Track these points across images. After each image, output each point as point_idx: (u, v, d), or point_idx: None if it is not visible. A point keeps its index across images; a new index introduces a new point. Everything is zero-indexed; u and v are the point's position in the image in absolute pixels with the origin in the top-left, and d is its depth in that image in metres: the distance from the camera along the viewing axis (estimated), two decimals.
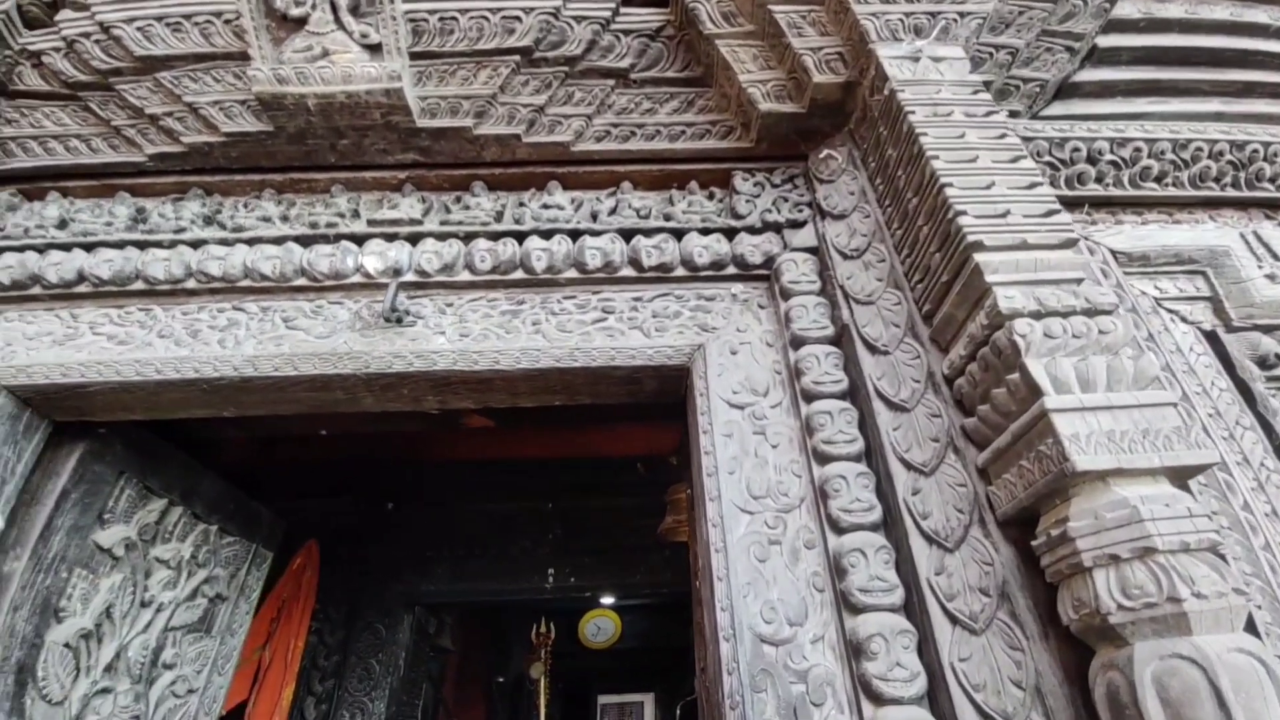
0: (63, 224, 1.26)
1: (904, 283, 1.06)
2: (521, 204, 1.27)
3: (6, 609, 1.18)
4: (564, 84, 1.23)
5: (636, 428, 3.54)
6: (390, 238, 1.25)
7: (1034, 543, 0.80)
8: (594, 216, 1.26)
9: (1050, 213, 0.91)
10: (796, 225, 1.26)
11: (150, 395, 1.19)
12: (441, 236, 1.24)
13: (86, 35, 1.11)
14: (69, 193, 1.30)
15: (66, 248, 1.23)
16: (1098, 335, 0.82)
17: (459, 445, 3.45)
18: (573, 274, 1.22)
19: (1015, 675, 0.79)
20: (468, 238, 1.24)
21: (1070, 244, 0.89)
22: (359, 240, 1.25)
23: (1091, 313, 0.83)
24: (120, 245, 1.24)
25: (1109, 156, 1.21)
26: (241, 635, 1.79)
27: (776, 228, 1.26)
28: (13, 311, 1.23)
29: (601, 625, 7.00)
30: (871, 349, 1.05)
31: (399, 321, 1.18)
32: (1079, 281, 0.86)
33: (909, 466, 0.95)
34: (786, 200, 1.28)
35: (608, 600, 6.15)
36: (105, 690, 1.38)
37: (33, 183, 1.29)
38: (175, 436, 1.63)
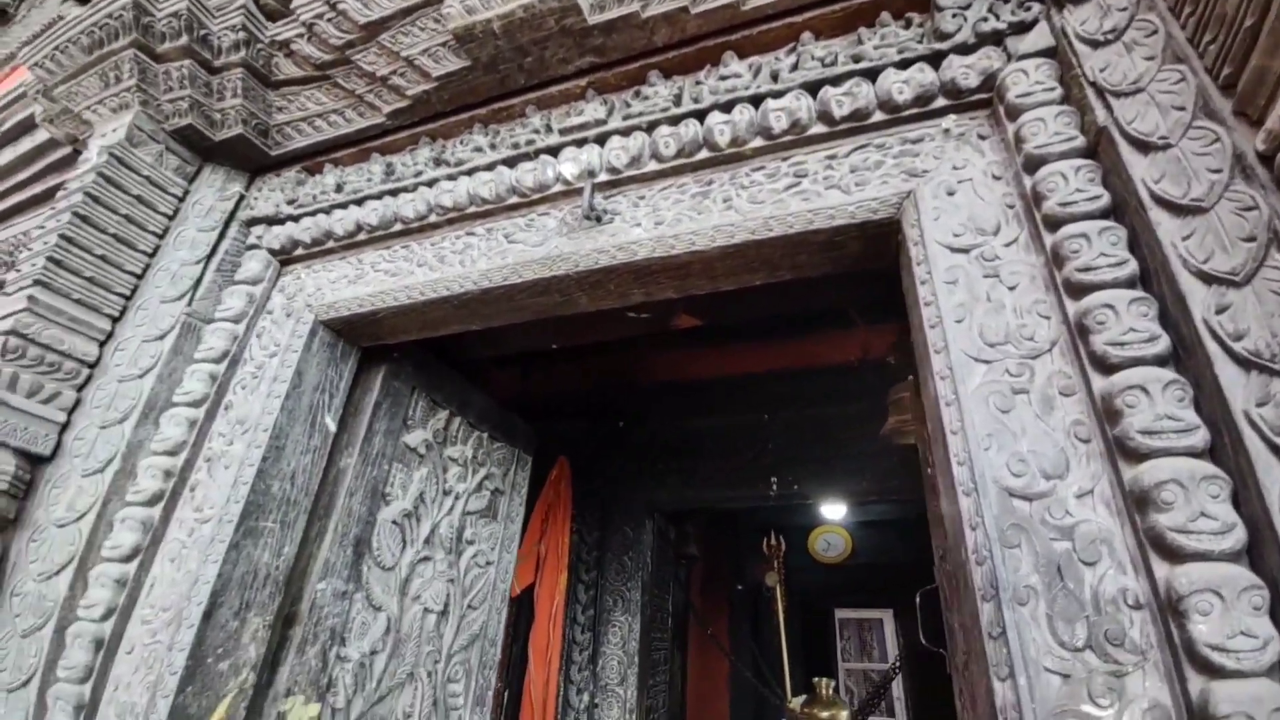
0: (339, 188, 1.51)
1: (1187, 51, 0.79)
2: (698, 82, 1.21)
3: (344, 494, 1.50)
4: None
5: (847, 334, 3.32)
6: (580, 143, 1.27)
7: None
8: (774, 77, 1.15)
9: None
10: (1022, 29, 1.01)
11: (419, 315, 1.40)
12: (625, 132, 1.23)
13: (320, 16, 1.28)
14: (338, 162, 1.55)
15: (344, 205, 1.48)
16: None
17: (679, 366, 3.57)
18: (758, 143, 1.13)
19: None
20: (650, 127, 1.22)
21: None
22: (554, 151, 1.30)
23: None
24: (380, 196, 1.45)
25: None
26: (518, 523, 2.08)
27: (996, 38, 1.02)
28: (317, 264, 1.52)
29: (831, 541, 6.90)
30: (1143, 147, 0.80)
31: (598, 220, 1.21)
32: None
33: (1210, 279, 0.72)
34: (1006, 2, 1.03)
35: (834, 513, 6.02)
36: (426, 558, 1.69)
37: (311, 159, 1.56)
38: (448, 359, 1.91)
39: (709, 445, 3.34)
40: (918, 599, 1.36)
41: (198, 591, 1.17)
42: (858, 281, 1.46)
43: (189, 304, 1.44)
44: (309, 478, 1.40)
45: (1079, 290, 0.83)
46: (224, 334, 1.44)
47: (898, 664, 5.00)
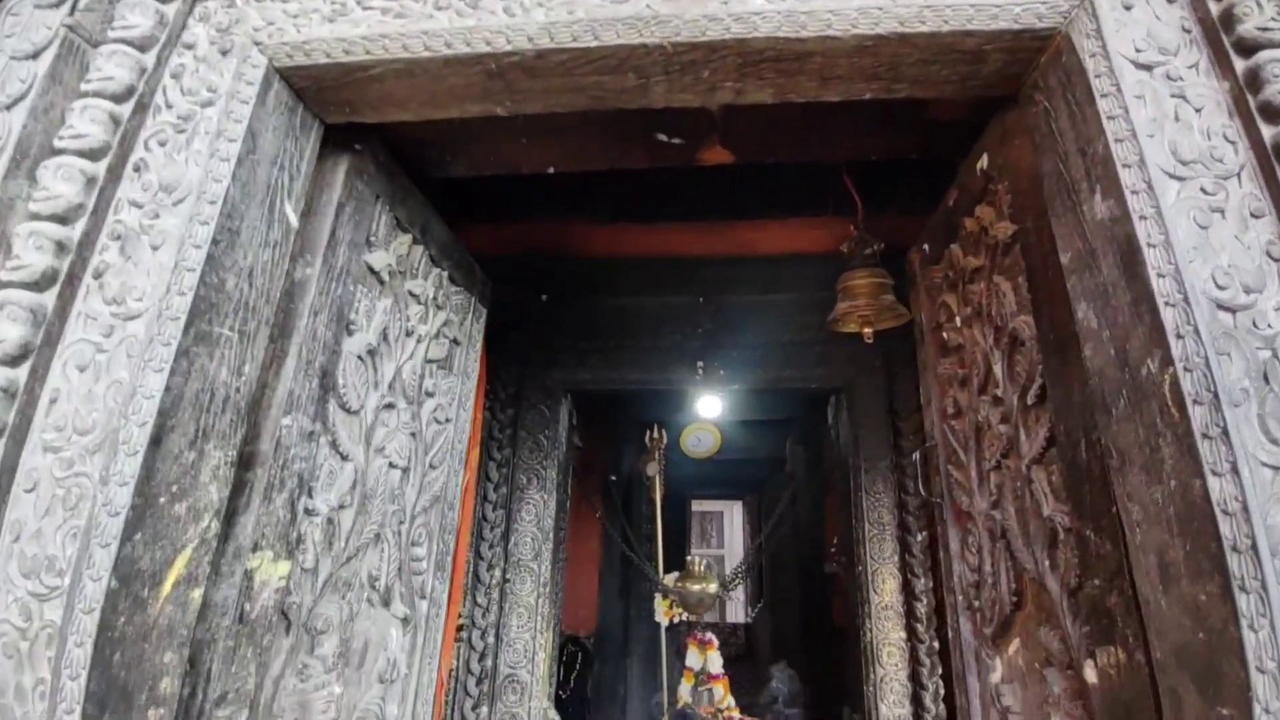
0: None
1: None
2: None
3: (308, 312, 1.17)
4: None
5: (785, 224, 3.32)
6: None
7: None
8: None
9: None
10: None
11: (431, 81, 1.06)
12: None
13: None
14: None
15: None
16: None
17: (611, 242, 3.35)
18: None
19: None
20: None
21: None
22: None
23: None
24: None
25: None
26: (474, 380, 1.84)
27: None
28: None
29: (701, 438, 7.30)
30: None
31: None
32: None
33: None
34: None
35: (709, 410, 6.32)
36: (390, 405, 1.42)
37: None
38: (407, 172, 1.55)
39: (636, 326, 3.23)
40: (917, 455, 1.40)
41: (138, 408, 0.84)
42: (919, 131, 1.38)
43: (70, 12, 0.96)
44: (269, 280, 1.05)
45: (1276, 115, 0.81)
46: (124, 62, 0.99)
47: (760, 544, 5.52)
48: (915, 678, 2.63)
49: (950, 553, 1.43)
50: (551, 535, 3.03)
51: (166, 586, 0.88)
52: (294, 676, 1.18)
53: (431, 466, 1.60)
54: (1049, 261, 1.04)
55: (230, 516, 1.01)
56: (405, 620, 1.48)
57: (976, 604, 1.35)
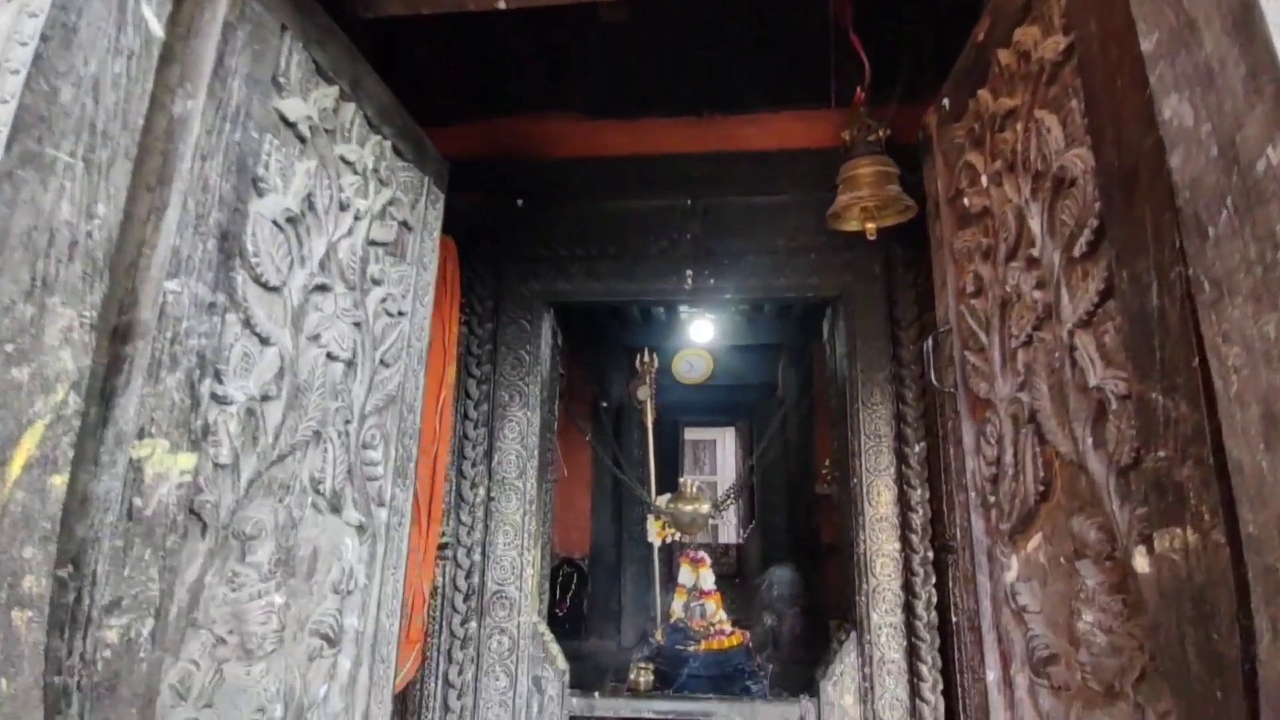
0: None
1: None
2: None
3: (192, 155, 0.94)
4: None
5: (779, 116, 3.03)
6: None
7: None
8: None
9: None
10: None
11: None
12: None
13: None
14: None
15: None
16: None
17: (590, 140, 3.06)
18: None
19: None
20: None
21: None
22: None
23: None
24: None
25: None
26: (432, 271, 1.62)
27: None
28: None
29: (694, 363, 7.16)
30: None
31: None
32: None
33: None
34: None
35: (700, 335, 6.16)
36: (323, 287, 1.21)
37: None
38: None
39: (620, 232, 2.98)
40: (928, 344, 1.22)
41: None
42: None
43: None
44: (125, 100, 0.82)
45: None
46: None
47: (751, 466, 5.47)
48: (909, 587, 2.56)
49: (963, 448, 1.27)
50: (536, 453, 2.89)
51: (14, 468, 0.69)
52: (222, 585, 1.02)
53: (384, 363, 1.41)
54: (1115, 70, 0.82)
55: (109, 398, 0.82)
56: (361, 528, 1.32)
57: (992, 499, 1.20)
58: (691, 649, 4.10)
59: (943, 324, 1.37)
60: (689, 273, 2.94)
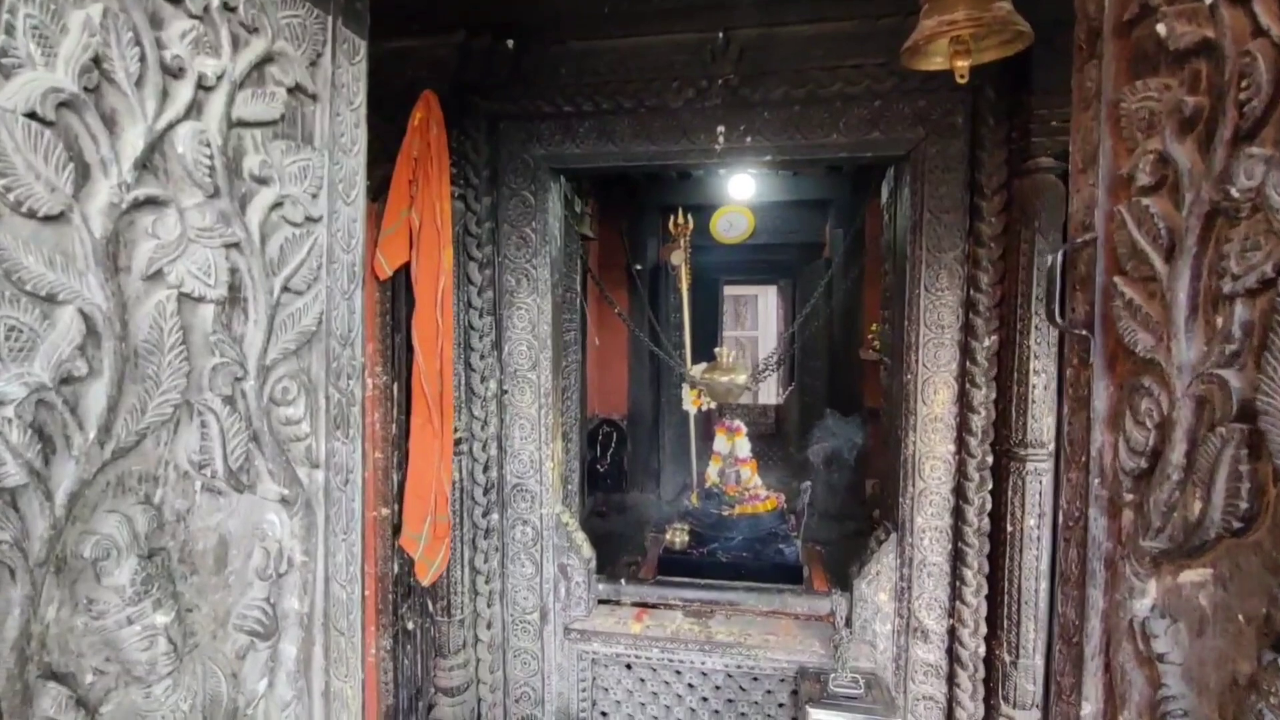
0: None
1: None
2: None
3: None
4: None
5: None
6: None
7: None
8: None
9: None
10: None
11: None
12: None
13: None
14: None
15: None
16: None
17: None
18: None
19: None
20: None
21: None
22: None
23: None
24: None
25: None
26: (361, 155, 1.18)
27: None
28: None
29: (734, 221, 6.50)
30: None
31: None
32: None
33: None
34: None
35: (741, 191, 5.48)
36: (153, 202, 0.81)
37: None
38: None
39: (636, 79, 2.37)
40: (1057, 258, 0.73)
41: None
42: None
43: None
44: None
45: None
46: None
47: (793, 331, 5.07)
48: (960, 491, 2.26)
49: (1091, 413, 0.85)
50: (550, 343, 2.57)
51: None
52: (81, 615, 0.77)
53: (291, 291, 1.04)
54: None
55: None
56: (285, 501, 1.05)
57: (1130, 497, 0.80)
58: (726, 513, 4.05)
59: (1080, 230, 0.88)
60: (720, 130, 2.35)
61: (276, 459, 1.02)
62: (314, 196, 1.08)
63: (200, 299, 0.88)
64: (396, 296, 2.41)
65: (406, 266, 2.31)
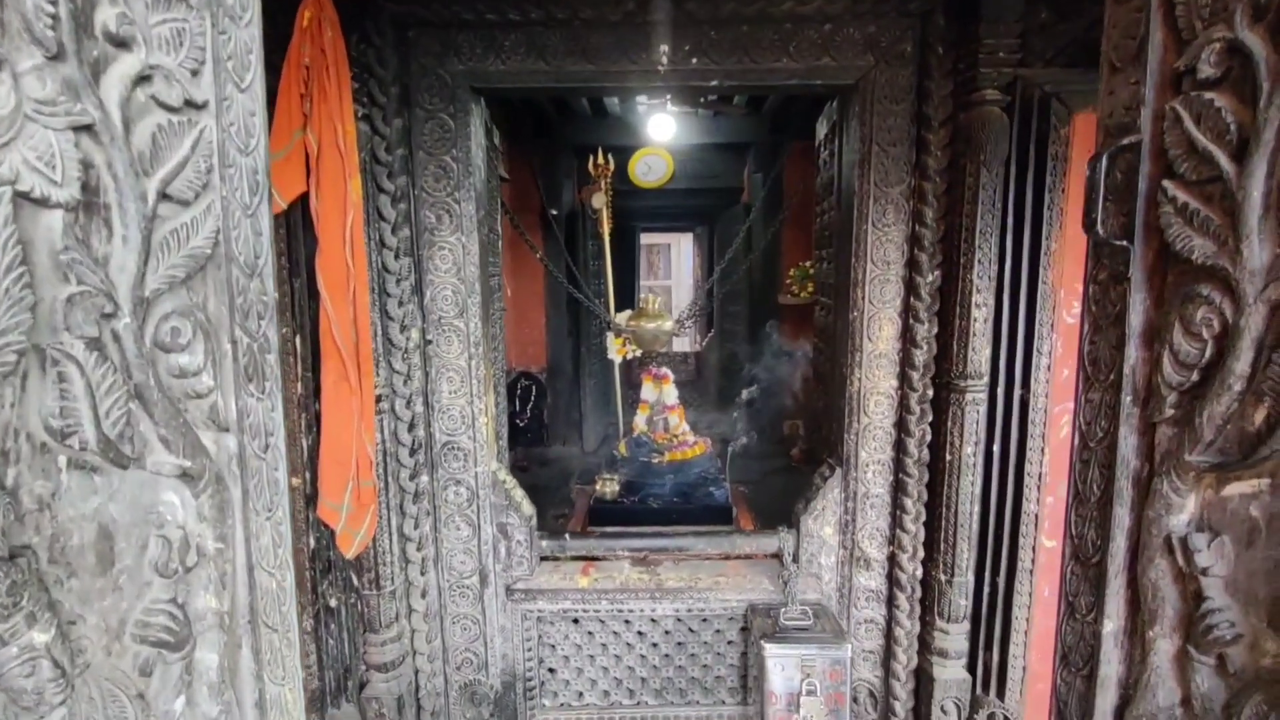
0: None
1: None
2: None
3: None
4: None
5: None
6: None
7: None
8: None
9: None
10: None
11: None
12: None
13: None
14: None
15: None
16: None
17: None
18: None
19: None
20: None
21: None
22: None
23: None
24: None
25: None
26: (255, 27, 0.89)
27: None
28: None
29: (652, 164, 6.31)
30: None
31: None
32: None
33: None
34: None
35: (661, 133, 5.29)
36: None
37: None
38: None
39: None
40: (1101, 163, 0.66)
41: None
42: None
43: None
44: None
45: None
46: None
47: (714, 279, 5.03)
48: (902, 425, 2.31)
49: (1129, 325, 0.80)
50: (478, 286, 2.32)
51: None
52: None
53: (172, 199, 0.77)
54: None
55: None
56: (188, 475, 0.81)
57: (1172, 412, 0.77)
58: (656, 461, 4.03)
59: (1120, 129, 0.81)
60: (664, 49, 2.15)
61: (170, 422, 0.78)
62: (194, 74, 0.80)
63: (43, 201, 0.62)
64: (293, 234, 2.07)
65: (304, 199, 1.97)
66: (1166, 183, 0.75)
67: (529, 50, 2.14)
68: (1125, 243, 0.79)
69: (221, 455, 0.87)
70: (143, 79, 0.74)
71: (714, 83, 2.19)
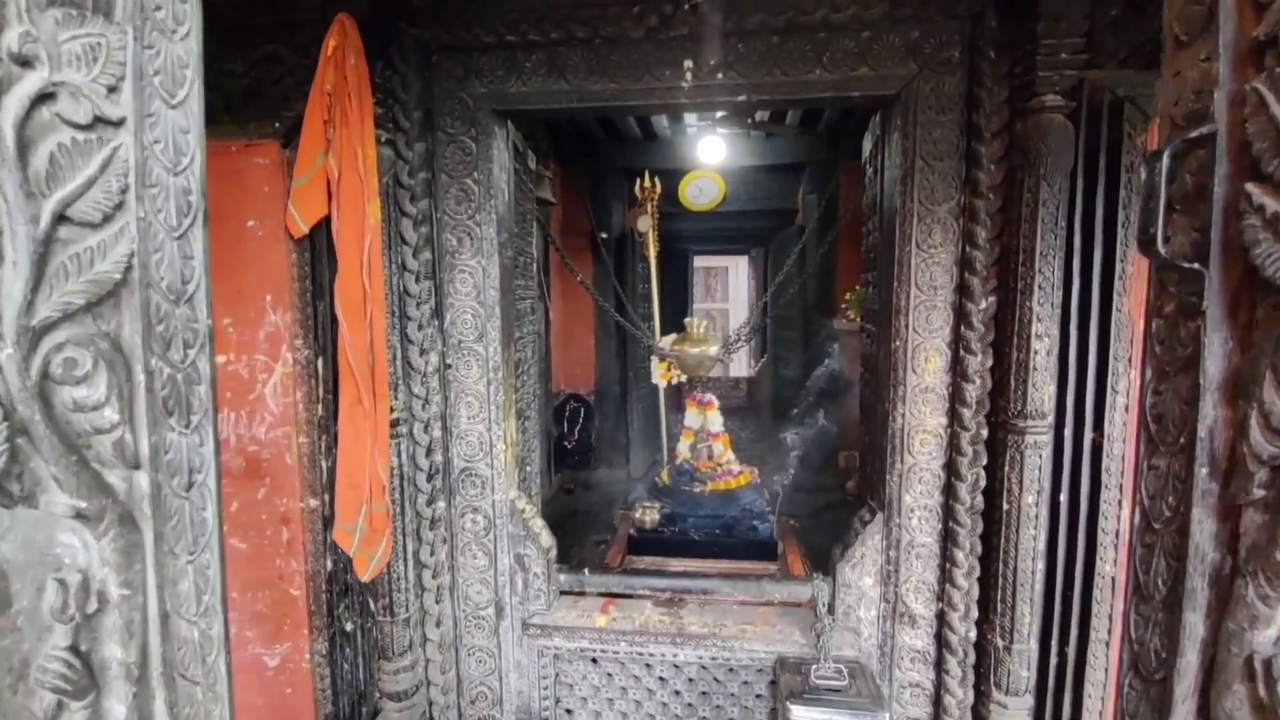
0: None
1: None
2: None
3: None
4: None
5: None
6: None
7: None
8: None
9: None
10: None
11: None
12: None
13: None
14: None
15: None
16: None
17: None
18: None
19: None
20: None
21: None
22: None
23: None
24: None
25: None
26: (193, 41, 0.84)
27: None
28: None
29: (704, 187, 6.21)
30: None
31: None
32: None
33: None
34: None
35: (711, 156, 5.18)
36: None
37: None
38: None
39: (591, 3, 2.04)
40: (1163, 159, 0.46)
41: None
42: None
43: None
44: None
45: None
46: None
47: (765, 301, 4.83)
48: (951, 466, 2.06)
49: (1202, 377, 0.60)
50: (498, 310, 2.27)
51: None
52: None
53: (72, 221, 0.72)
54: None
55: None
56: (84, 516, 0.74)
57: (1262, 494, 0.56)
58: (698, 490, 3.85)
59: (1182, 126, 0.63)
60: (688, 65, 2.05)
61: (61, 459, 0.71)
62: (112, 90, 0.75)
63: None
64: (318, 258, 2.07)
65: (327, 223, 1.97)
66: (1250, 186, 0.56)
67: (550, 70, 2.09)
68: (1197, 265, 0.60)
69: (132, 494, 0.79)
70: (45, 97, 0.68)
71: (741, 97, 2.06)
